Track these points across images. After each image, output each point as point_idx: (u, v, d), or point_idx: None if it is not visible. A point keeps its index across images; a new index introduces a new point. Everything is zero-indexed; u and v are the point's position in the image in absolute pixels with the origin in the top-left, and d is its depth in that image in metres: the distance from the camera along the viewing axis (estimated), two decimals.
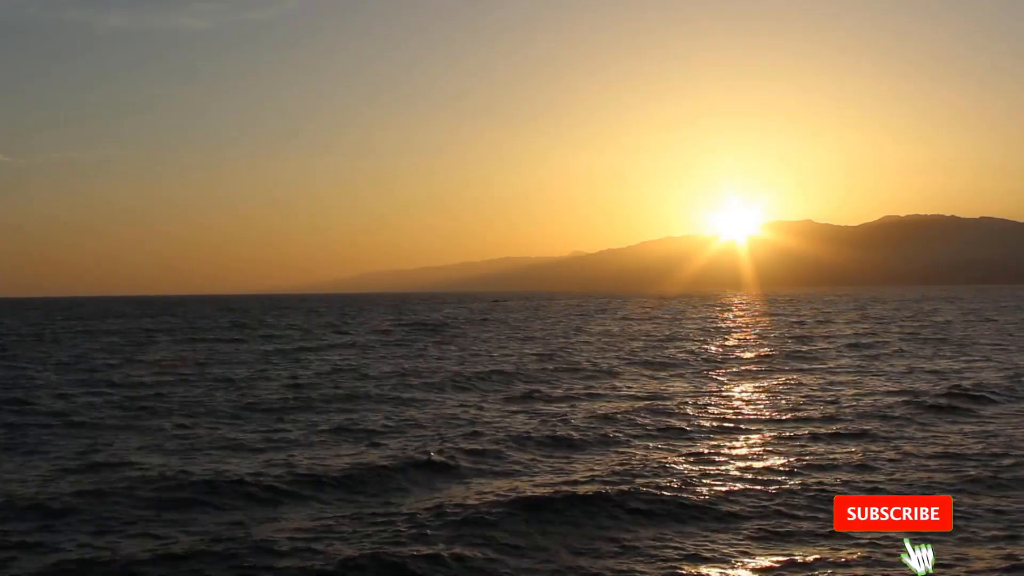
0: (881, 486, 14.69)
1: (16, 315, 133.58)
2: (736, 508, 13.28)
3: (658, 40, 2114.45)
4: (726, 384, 30.18)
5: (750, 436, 19.91)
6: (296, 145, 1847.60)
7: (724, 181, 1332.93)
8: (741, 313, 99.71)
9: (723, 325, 72.58)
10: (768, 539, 11.92)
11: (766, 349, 44.74)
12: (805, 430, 20.26)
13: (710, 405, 24.89)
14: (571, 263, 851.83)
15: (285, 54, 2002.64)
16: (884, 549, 11.33)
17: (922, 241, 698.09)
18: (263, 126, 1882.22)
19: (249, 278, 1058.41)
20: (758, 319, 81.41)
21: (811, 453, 17.66)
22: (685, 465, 16.86)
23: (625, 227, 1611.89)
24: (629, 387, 29.53)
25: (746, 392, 27.99)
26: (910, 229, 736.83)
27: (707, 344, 49.39)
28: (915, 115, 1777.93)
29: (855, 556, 11.18)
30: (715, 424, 21.48)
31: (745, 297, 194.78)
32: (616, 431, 20.44)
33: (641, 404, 24.93)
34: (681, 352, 43.64)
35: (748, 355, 41.16)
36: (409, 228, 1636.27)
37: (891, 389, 27.56)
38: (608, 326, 72.79)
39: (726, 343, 50.20)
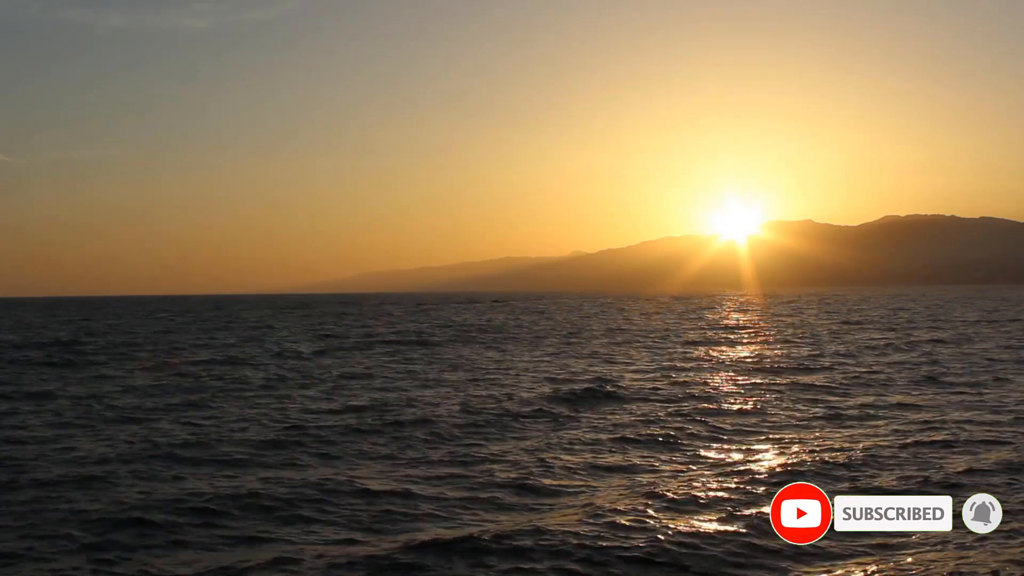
0: None
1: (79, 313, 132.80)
2: None
3: (658, 40, 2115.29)
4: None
5: None
6: (296, 145, 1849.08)
7: (724, 181, 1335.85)
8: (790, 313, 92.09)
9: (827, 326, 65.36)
10: None
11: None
12: None
13: None
14: (571, 263, 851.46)
15: (285, 54, 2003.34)
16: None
17: (922, 241, 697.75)
18: (263, 126, 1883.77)
19: (249, 278, 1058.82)
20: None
21: None
22: None
23: (625, 227, 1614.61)
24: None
25: None
26: (910, 229, 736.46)
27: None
28: (915, 115, 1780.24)
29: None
30: None
31: (758, 298, 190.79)
32: None
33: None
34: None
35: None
36: (409, 228, 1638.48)
37: None
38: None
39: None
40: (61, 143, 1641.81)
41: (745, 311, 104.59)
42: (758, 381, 30.29)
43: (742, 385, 29.30)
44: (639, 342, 52.84)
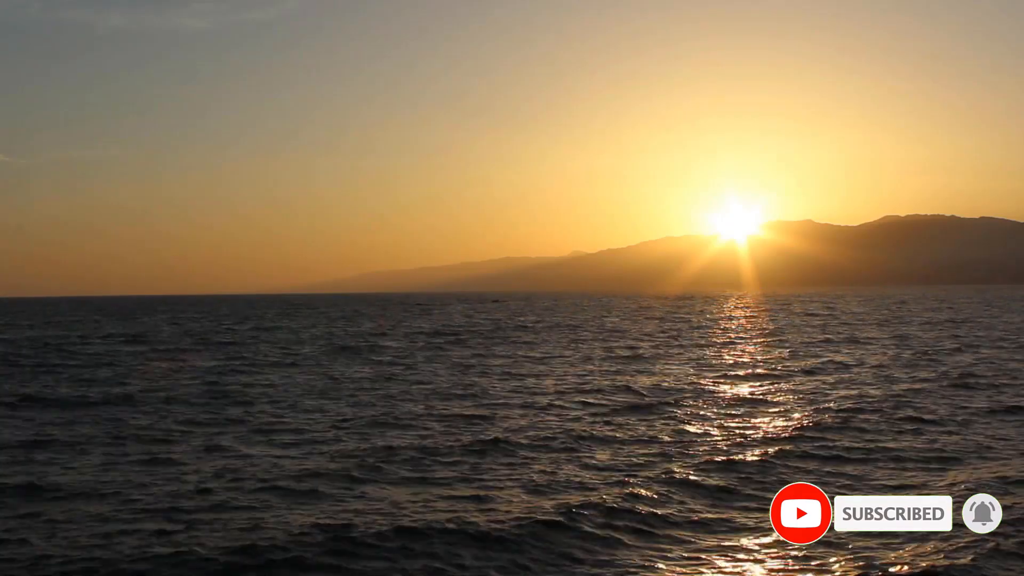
0: None
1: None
2: None
3: (658, 40, 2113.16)
4: None
5: None
6: (296, 145, 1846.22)
7: (724, 181, 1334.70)
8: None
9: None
10: None
11: None
12: None
13: None
14: (571, 263, 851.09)
15: (285, 54, 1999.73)
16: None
17: (922, 241, 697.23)
18: (263, 126, 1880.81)
19: (249, 278, 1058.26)
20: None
21: None
22: None
23: (625, 227, 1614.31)
24: None
25: None
26: (910, 229, 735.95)
27: None
28: (915, 115, 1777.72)
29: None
30: None
31: (765, 298, 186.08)
32: None
33: None
34: None
35: None
36: (409, 228, 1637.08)
37: None
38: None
39: None
40: (61, 143, 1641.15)
41: (771, 312, 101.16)
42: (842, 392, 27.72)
43: (827, 394, 26.93)
44: (688, 343, 51.67)
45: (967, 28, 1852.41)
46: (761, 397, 26.70)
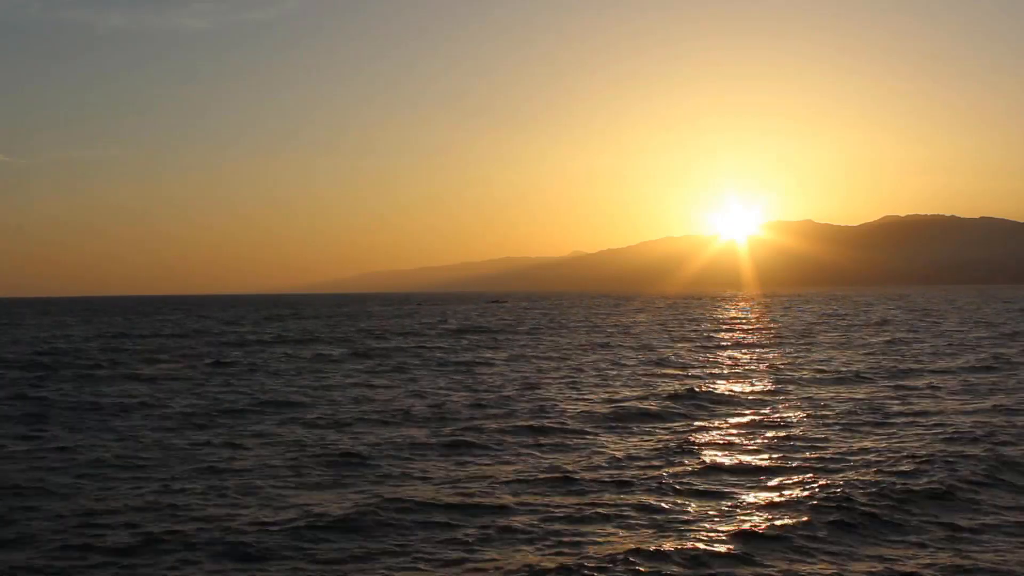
0: None
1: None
2: None
3: (658, 40, 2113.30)
4: None
5: None
6: (296, 145, 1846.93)
7: (724, 181, 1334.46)
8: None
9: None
10: None
11: None
12: None
13: None
14: (571, 263, 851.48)
15: (285, 54, 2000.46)
16: None
17: (922, 241, 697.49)
18: (263, 126, 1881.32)
19: (249, 278, 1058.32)
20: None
21: None
22: None
23: (625, 227, 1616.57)
24: None
25: None
26: (910, 229, 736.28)
27: None
28: (915, 115, 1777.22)
29: None
30: None
31: (773, 298, 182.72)
32: None
33: None
34: None
35: None
36: (409, 228, 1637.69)
37: None
38: None
39: None
40: (61, 143, 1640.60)
41: (792, 312, 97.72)
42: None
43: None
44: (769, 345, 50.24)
45: (967, 28, 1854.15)
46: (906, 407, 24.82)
